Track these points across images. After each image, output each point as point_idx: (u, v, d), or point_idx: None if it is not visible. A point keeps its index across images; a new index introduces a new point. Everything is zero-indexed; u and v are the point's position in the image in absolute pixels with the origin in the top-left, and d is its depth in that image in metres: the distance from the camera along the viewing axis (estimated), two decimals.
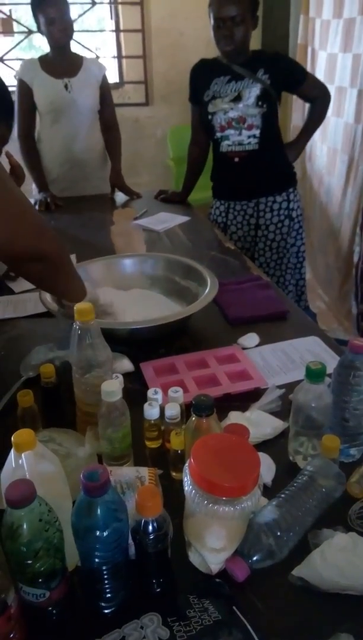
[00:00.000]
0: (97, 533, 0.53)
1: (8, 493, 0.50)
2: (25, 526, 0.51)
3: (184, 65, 2.20)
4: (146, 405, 0.84)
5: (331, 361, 1.04)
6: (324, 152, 2.90)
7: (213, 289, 1.17)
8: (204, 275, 1.24)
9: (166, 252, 1.69)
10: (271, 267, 2.00)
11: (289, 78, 1.86)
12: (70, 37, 2.14)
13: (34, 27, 2.28)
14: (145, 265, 1.40)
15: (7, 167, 1.48)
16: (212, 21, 1.73)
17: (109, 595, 0.59)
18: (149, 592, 0.62)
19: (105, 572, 0.57)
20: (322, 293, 3.04)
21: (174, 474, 0.79)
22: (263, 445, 0.84)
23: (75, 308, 0.77)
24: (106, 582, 0.58)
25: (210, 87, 1.85)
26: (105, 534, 0.53)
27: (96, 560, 0.55)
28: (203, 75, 1.89)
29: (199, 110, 1.94)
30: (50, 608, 0.57)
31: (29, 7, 2.12)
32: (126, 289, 1.28)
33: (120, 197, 2.38)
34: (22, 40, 3.64)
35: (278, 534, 0.65)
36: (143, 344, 1.12)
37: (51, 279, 1.02)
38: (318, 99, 1.94)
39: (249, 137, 1.85)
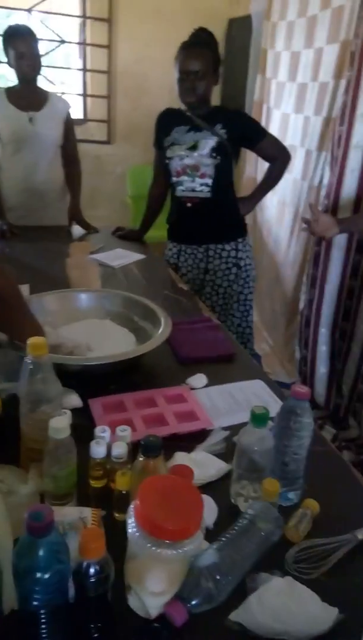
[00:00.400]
0: (38, 575, 0.53)
1: None
2: None
3: (147, 108, 2.30)
4: (92, 443, 0.83)
5: (274, 405, 1.08)
6: (274, 203, 3.06)
7: (166, 329, 1.21)
8: (159, 316, 1.27)
9: (121, 289, 1.71)
10: (217, 312, 2.06)
11: (246, 135, 1.96)
12: (38, 71, 2.19)
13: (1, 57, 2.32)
14: (104, 301, 1.42)
15: None
16: (177, 73, 1.83)
17: None
18: (87, 637, 0.61)
19: (43, 616, 0.56)
20: (267, 336, 3.14)
21: (117, 514, 0.79)
22: (207, 487, 0.86)
23: (28, 342, 0.77)
24: (42, 626, 0.56)
25: (171, 134, 1.94)
26: (46, 576, 0.53)
27: (35, 603, 0.54)
28: (166, 123, 1.99)
29: (161, 154, 2.02)
30: None
31: None
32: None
33: (77, 230, 2.40)
34: None
35: (218, 577, 0.66)
36: (94, 379, 1.12)
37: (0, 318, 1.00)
38: (278, 160, 2.03)
39: (201, 184, 1.93)
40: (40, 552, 0.52)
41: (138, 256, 2.09)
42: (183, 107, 1.93)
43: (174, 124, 1.94)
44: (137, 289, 1.75)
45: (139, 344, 1.23)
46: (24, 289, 1.45)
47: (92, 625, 0.61)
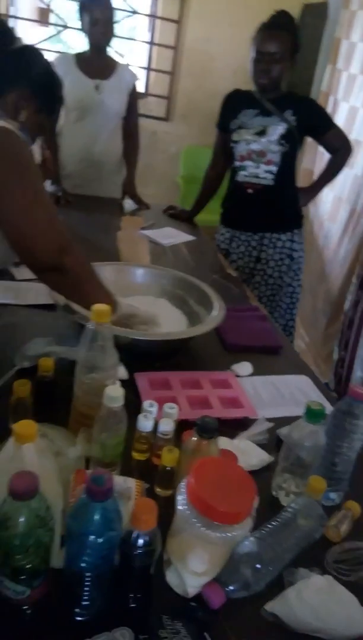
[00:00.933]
0: (91, 538, 0.53)
1: (13, 483, 0.49)
2: (22, 519, 0.50)
3: (210, 88, 2.25)
4: (140, 417, 0.84)
5: None
6: (330, 198, 2.98)
7: (219, 315, 1.19)
8: (213, 301, 1.26)
9: (170, 267, 1.70)
10: (264, 302, 2.03)
11: (315, 124, 1.91)
12: (110, 39, 2.17)
13: (69, 22, 2.30)
14: (161, 279, 1.42)
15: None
16: (253, 53, 1.79)
17: (86, 602, 0.58)
18: (124, 605, 0.61)
19: (88, 579, 0.56)
20: (304, 333, 3.09)
21: (159, 489, 0.79)
22: None
23: (93, 308, 0.77)
24: (86, 588, 0.57)
25: (238, 117, 1.91)
26: (98, 540, 0.53)
27: (82, 565, 0.55)
28: (234, 104, 1.95)
29: (224, 137, 1.98)
30: (26, 607, 0.56)
31: (66, 1, 2.14)
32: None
33: (129, 204, 2.39)
34: (58, 33, 3.66)
35: (257, 566, 0.65)
36: (141, 355, 1.12)
37: (70, 291, 1.02)
38: (340, 151, 1.99)
39: (266, 171, 1.89)
40: (96, 517, 0.53)
41: (187, 237, 2.07)
42: (253, 88, 1.89)
43: (243, 107, 1.90)
44: (185, 270, 1.73)
45: (190, 327, 1.23)
46: None
47: (131, 595, 0.61)
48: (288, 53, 1.78)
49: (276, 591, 0.66)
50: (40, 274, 1.00)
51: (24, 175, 0.93)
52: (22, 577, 0.53)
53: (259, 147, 1.86)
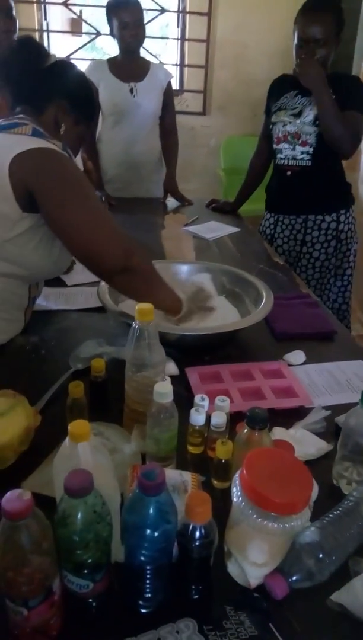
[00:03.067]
0: (147, 532, 0.54)
1: (68, 481, 0.51)
2: (79, 516, 0.52)
3: (245, 77, 2.23)
4: (192, 411, 0.84)
5: None
6: None
7: (267, 304, 1.18)
8: (261, 291, 1.24)
9: (215, 261, 1.69)
10: (312, 286, 1.98)
11: (342, 98, 1.73)
12: (141, 42, 2.19)
13: (101, 29, 2.34)
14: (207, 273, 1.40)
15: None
16: (295, 40, 1.73)
17: (148, 594, 0.59)
18: (187, 597, 0.62)
19: (148, 571, 0.57)
20: (362, 316, 2.99)
21: (215, 482, 0.79)
22: (306, 465, 0.83)
23: (136, 308, 0.78)
24: (147, 581, 0.58)
25: (280, 99, 1.88)
26: (155, 534, 0.54)
27: (141, 558, 0.56)
28: (278, 88, 1.93)
29: (268, 122, 1.96)
30: (90, 600, 0.57)
31: (96, 9, 2.17)
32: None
33: (172, 202, 2.40)
34: (90, 41, 3.73)
35: (320, 556, 0.64)
36: (189, 350, 1.12)
37: (141, 290, 1.05)
38: (342, 140, 1.76)
39: (302, 153, 1.85)
40: (151, 510, 0.53)
41: (232, 229, 2.06)
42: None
43: (286, 89, 1.87)
44: (231, 262, 1.72)
45: (239, 319, 1.22)
46: None
47: (192, 587, 0.62)
48: (332, 35, 1.70)
49: (342, 581, 0.64)
50: (111, 280, 1.05)
51: (78, 190, 0.98)
52: (85, 572, 0.55)
53: (294, 128, 1.83)
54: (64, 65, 1.12)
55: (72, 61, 3.73)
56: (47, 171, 0.96)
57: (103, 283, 1.16)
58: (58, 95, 1.08)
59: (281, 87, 1.91)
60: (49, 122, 1.08)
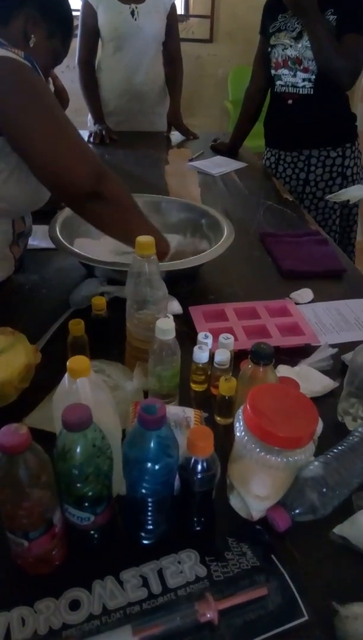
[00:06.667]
0: (148, 465, 0.53)
1: (66, 416, 0.49)
2: (78, 450, 0.51)
3: (256, 1, 2.02)
4: (196, 349, 0.82)
5: None
6: None
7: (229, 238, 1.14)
8: (223, 227, 1.18)
9: (222, 198, 1.63)
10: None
11: (343, 20, 1.58)
12: None
13: None
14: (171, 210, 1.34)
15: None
16: None
17: (150, 527, 0.59)
18: (189, 529, 0.62)
19: (149, 504, 0.57)
20: None
21: (218, 418, 0.78)
22: None
23: (137, 240, 0.74)
24: (149, 513, 0.58)
25: (278, 19, 1.72)
26: (156, 467, 0.53)
27: (143, 491, 0.55)
28: (275, 5, 1.74)
29: (265, 43, 1.80)
30: (92, 532, 0.58)
31: None
32: None
33: (176, 136, 2.29)
34: None
35: (324, 490, 0.64)
36: (194, 290, 1.09)
37: (113, 222, 0.97)
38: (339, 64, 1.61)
39: (304, 80, 1.70)
40: (151, 444, 0.52)
41: (239, 164, 1.97)
42: None
43: (283, 7, 1.68)
44: (238, 199, 1.67)
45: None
46: None
47: (194, 519, 0.62)
48: None
49: (344, 516, 0.64)
50: (80, 208, 0.97)
51: (39, 103, 0.87)
52: (85, 504, 0.54)
53: (295, 53, 1.68)
54: None
55: None
56: (1, 80, 0.84)
57: (55, 218, 1.11)
58: (28, 2, 0.96)
59: (277, 5, 1.71)
60: (16, 33, 0.95)
